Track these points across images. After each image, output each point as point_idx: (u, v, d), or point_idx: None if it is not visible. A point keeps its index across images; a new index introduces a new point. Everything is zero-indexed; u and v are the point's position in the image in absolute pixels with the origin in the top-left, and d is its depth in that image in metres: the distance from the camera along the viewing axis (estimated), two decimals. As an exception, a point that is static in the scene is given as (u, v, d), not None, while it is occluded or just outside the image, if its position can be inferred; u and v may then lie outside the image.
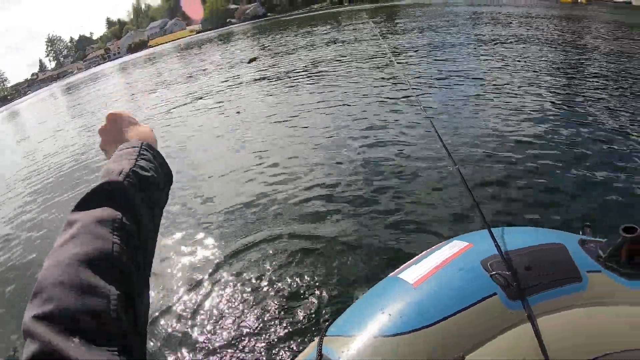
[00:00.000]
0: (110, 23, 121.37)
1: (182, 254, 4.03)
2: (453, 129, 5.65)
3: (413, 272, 1.29)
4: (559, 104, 6.32)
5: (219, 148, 7.09)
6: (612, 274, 1.23)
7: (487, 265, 1.22)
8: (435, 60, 10.49)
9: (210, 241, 4.15)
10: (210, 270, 3.63)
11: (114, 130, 0.78)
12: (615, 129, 5.16)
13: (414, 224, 3.78)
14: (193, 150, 7.38)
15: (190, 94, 13.18)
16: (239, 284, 3.39)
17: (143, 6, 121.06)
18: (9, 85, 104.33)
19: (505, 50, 10.63)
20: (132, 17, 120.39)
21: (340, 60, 12.72)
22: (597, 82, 7.28)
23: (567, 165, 4.38)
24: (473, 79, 8.19)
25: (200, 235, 4.28)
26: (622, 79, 7.40)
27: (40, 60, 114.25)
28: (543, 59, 9.44)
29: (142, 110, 12.85)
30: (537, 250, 1.27)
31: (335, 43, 17.32)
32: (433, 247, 1.40)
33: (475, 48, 11.49)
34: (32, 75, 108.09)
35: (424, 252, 1.41)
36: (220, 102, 10.83)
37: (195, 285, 3.50)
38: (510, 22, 16.62)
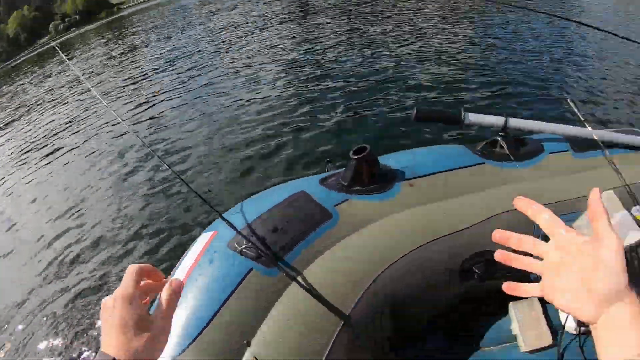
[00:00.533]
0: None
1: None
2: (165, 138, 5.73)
3: (182, 270, 1.21)
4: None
5: None
6: (359, 196, 1.26)
7: (234, 246, 1.16)
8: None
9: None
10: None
11: (113, 318, 0.54)
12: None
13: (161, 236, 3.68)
14: None
15: None
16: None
17: None
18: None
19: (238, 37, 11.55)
20: None
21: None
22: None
23: (286, 126, 4.93)
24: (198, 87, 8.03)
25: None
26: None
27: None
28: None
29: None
30: (279, 208, 1.24)
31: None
32: (191, 245, 1.31)
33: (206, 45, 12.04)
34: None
35: (184, 253, 1.33)
36: None
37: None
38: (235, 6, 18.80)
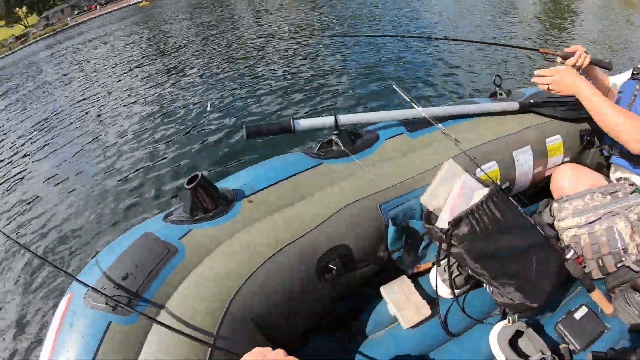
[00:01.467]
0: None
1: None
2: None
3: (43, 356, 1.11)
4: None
5: None
6: (201, 224, 1.27)
7: (90, 302, 1.11)
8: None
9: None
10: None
11: None
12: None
13: None
14: None
15: None
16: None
17: None
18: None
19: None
20: None
21: None
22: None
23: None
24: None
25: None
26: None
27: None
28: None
29: None
30: (127, 254, 1.21)
31: None
32: (50, 322, 1.21)
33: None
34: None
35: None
36: None
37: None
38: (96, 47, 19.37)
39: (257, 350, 0.75)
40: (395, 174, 1.47)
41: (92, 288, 1.10)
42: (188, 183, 1.27)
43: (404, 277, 1.41)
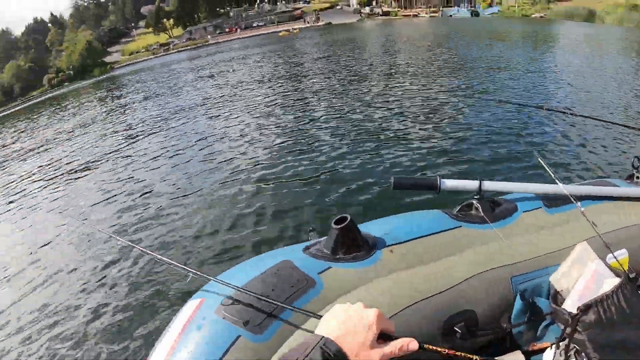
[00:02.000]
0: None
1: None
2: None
3: (161, 351, 1.19)
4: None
5: None
6: (341, 264, 1.32)
7: (222, 313, 1.19)
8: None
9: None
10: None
11: (363, 330, 0.69)
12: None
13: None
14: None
15: None
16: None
17: None
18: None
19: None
20: None
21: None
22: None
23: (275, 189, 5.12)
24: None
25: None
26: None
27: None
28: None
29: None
30: (265, 276, 1.28)
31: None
32: (174, 317, 1.33)
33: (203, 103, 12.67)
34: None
35: (167, 326, 1.33)
36: None
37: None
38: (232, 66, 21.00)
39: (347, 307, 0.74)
40: (530, 249, 1.50)
41: (232, 298, 1.19)
42: (336, 223, 1.34)
43: (519, 352, 1.41)
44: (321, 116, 8.34)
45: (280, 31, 54.47)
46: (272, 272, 1.29)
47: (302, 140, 6.90)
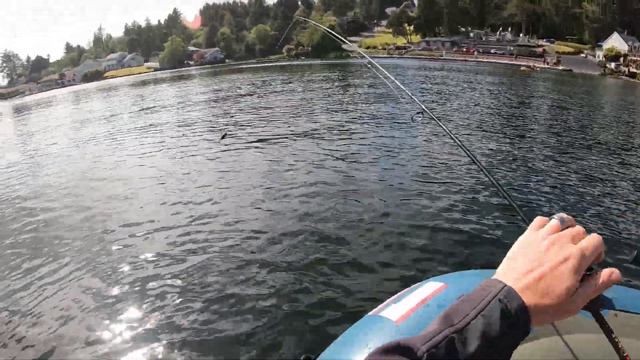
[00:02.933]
0: (69, 48, 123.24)
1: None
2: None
3: (394, 311, 1.31)
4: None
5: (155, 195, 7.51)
6: None
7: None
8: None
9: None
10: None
11: (553, 261, 0.51)
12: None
13: (391, 265, 4.42)
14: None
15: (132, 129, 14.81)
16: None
17: (104, 36, 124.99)
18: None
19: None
20: (91, 45, 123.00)
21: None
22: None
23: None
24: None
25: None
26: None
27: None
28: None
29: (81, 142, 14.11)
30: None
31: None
32: (410, 287, 1.47)
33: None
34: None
35: (401, 292, 1.46)
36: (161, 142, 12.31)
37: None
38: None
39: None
40: None
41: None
42: None
43: None
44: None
45: (521, 65, 54.00)
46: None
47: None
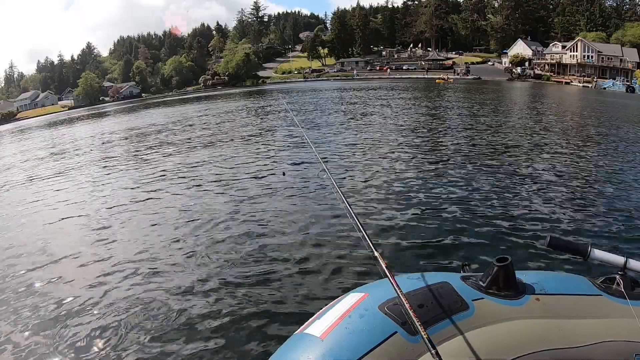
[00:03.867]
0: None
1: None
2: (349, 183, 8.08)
3: (318, 327, 1.37)
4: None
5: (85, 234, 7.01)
6: (493, 298, 1.46)
7: (384, 309, 1.35)
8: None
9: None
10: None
11: None
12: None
13: (314, 280, 4.54)
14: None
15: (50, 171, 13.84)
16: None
17: (16, 75, 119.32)
18: None
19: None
20: (2, 85, 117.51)
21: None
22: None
23: (444, 218, 6.31)
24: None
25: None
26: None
27: None
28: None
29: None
30: (426, 290, 1.44)
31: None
32: (332, 302, 1.53)
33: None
34: None
35: (324, 308, 1.52)
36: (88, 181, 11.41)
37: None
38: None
39: None
40: None
41: (396, 302, 1.33)
42: (498, 261, 1.49)
43: None
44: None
45: (435, 78, 58.90)
46: (433, 288, 1.45)
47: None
